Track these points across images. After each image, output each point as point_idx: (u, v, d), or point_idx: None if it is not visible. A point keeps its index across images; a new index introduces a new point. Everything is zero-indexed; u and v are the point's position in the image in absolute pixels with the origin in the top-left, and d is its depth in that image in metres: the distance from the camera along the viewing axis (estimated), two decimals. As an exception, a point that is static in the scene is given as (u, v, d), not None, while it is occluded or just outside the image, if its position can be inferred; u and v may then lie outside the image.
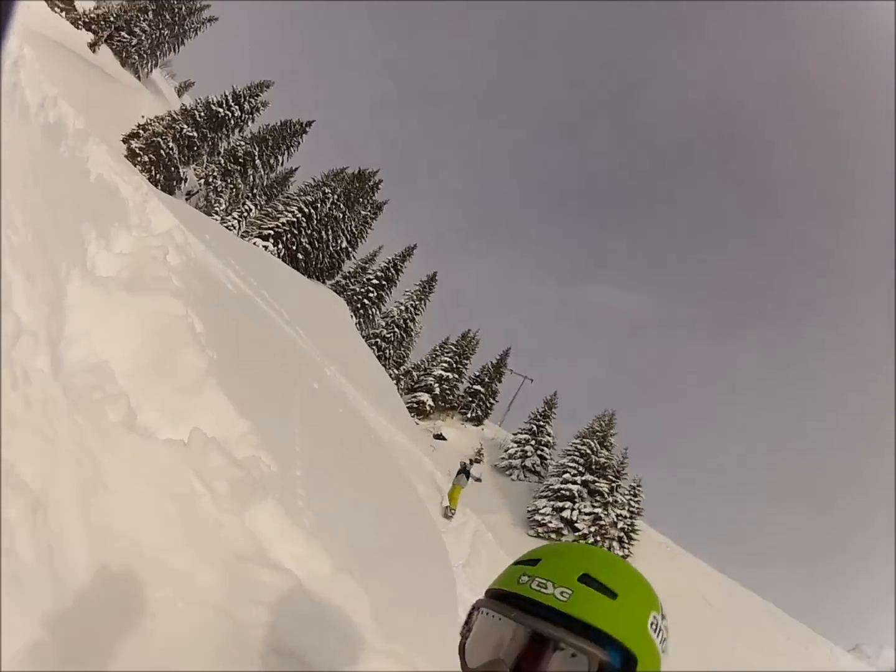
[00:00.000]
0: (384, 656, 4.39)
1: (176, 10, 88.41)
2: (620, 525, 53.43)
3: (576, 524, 53.61)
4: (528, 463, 65.85)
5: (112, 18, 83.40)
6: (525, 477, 65.05)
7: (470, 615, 1.76)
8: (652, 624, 1.63)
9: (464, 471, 29.16)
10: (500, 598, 1.71)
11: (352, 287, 78.34)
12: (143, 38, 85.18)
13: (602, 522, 53.06)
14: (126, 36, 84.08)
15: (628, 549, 52.50)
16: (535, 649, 1.57)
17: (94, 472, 4.51)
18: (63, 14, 79.67)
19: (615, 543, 52.12)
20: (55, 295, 6.25)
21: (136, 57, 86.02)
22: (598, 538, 51.91)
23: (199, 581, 4.28)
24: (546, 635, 1.56)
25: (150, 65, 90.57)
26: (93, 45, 76.49)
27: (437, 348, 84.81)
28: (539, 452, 66.74)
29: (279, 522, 5.12)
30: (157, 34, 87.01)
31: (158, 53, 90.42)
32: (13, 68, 7.26)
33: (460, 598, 11.93)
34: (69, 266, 6.93)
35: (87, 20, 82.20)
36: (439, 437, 67.19)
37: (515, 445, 67.74)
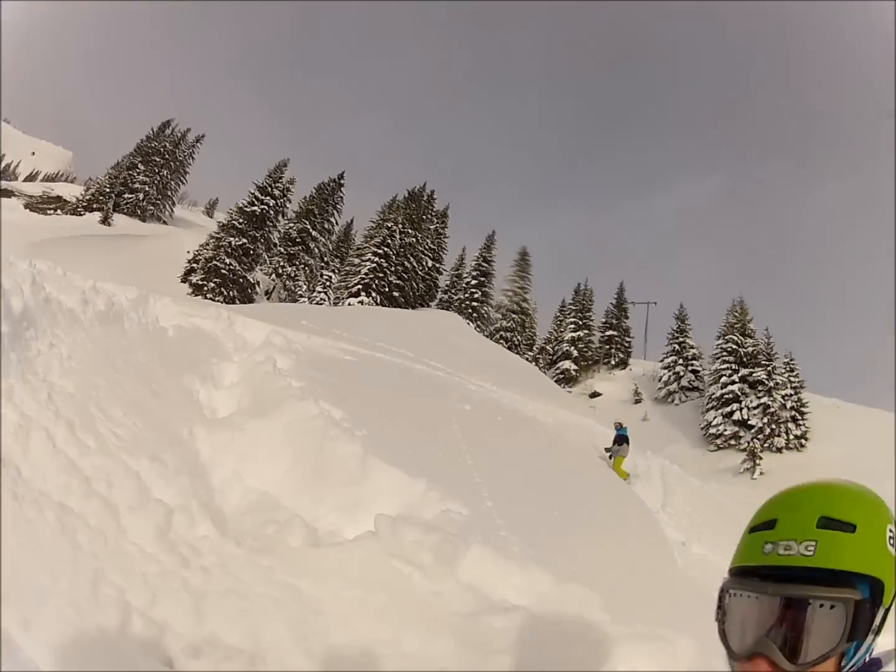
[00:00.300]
0: (628, 642, 4.31)
1: (162, 150, 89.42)
2: (789, 405, 52.57)
3: (748, 422, 52.85)
4: (684, 383, 65.14)
5: (108, 189, 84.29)
6: (686, 397, 64.30)
7: (720, 599, 1.70)
8: (891, 539, 1.57)
9: (620, 435, 24.25)
10: (749, 573, 1.67)
11: (456, 297, 78.07)
12: (146, 189, 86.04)
13: (771, 410, 52.21)
14: (130, 196, 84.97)
15: (803, 425, 51.69)
16: (792, 614, 1.54)
17: (298, 602, 4.58)
18: (57, 212, 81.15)
19: (790, 425, 51.32)
20: (188, 458, 6.45)
21: (151, 207, 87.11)
22: (773, 426, 51.09)
23: (433, 654, 4.28)
24: (798, 598, 1.54)
25: (168, 206, 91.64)
26: (104, 220, 77.50)
27: (559, 314, 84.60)
28: (690, 368, 66.03)
29: (490, 563, 5.05)
30: (158, 178, 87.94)
31: (169, 193, 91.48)
32: (34, 290, 7.42)
33: (670, 540, 11.87)
34: (189, 423, 7.16)
35: (84, 204, 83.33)
36: (594, 394, 66.92)
37: (666, 371, 66.84)
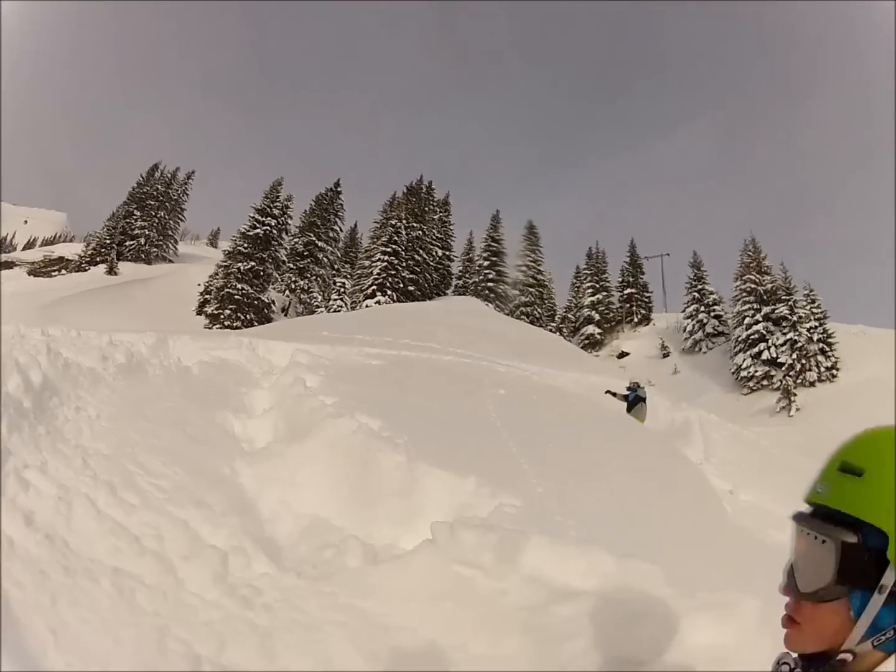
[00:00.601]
0: (694, 613, 4.24)
1: (155, 193, 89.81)
2: (816, 338, 52.63)
3: (778, 360, 53.00)
4: (708, 330, 65.60)
5: (108, 241, 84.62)
6: (713, 344, 64.68)
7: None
8: None
9: (635, 397, 22.08)
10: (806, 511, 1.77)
11: (471, 281, 78.96)
12: (146, 232, 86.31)
13: (799, 344, 52.20)
14: (131, 242, 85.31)
15: (832, 356, 51.72)
16: (800, 546, 1.69)
17: (365, 623, 4.56)
18: (62, 272, 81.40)
19: (819, 357, 51.41)
20: (234, 496, 6.42)
21: (155, 248, 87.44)
22: (803, 361, 51.07)
23: (504, 652, 4.27)
24: (803, 530, 1.68)
25: (171, 245, 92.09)
26: (110, 271, 77.83)
27: (575, 280, 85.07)
28: (713, 314, 66.24)
29: (550, 552, 4.94)
30: (157, 220, 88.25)
31: (170, 232, 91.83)
32: (52, 358, 7.43)
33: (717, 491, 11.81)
34: (229, 460, 7.14)
35: (88, 259, 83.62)
36: (622, 354, 67.30)
37: (689, 321, 67.18)
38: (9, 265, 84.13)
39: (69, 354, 8.21)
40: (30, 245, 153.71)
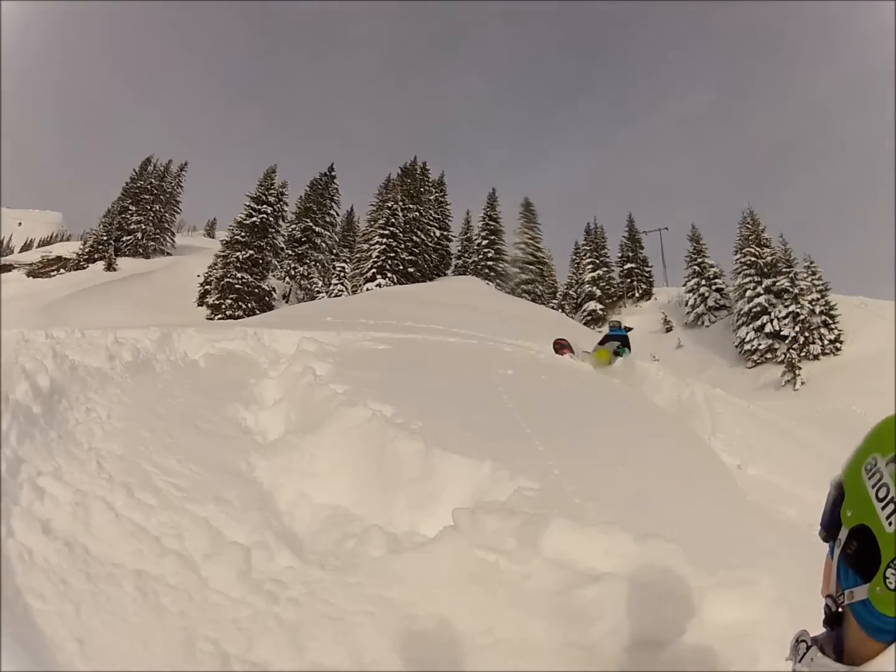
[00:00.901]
0: (714, 592, 4.21)
1: (149, 186, 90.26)
2: (818, 310, 52.68)
3: (781, 333, 53.01)
4: (710, 303, 65.82)
5: (105, 237, 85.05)
6: (715, 317, 64.81)
7: None
8: (867, 466, 1.52)
9: (612, 336, 21.77)
10: None
11: (471, 260, 79.07)
12: (143, 227, 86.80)
13: (801, 317, 52.25)
14: (128, 237, 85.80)
15: (835, 328, 51.87)
16: None
17: (392, 612, 4.56)
18: (60, 271, 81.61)
19: (822, 330, 51.54)
20: (253, 490, 6.40)
21: (152, 242, 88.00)
22: (806, 334, 51.19)
23: (529, 636, 4.27)
24: None
25: (168, 238, 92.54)
26: (108, 267, 78.38)
27: (574, 256, 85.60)
28: (714, 288, 66.36)
29: (571, 535, 4.88)
30: (152, 214, 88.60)
31: (166, 225, 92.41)
32: (58, 361, 7.41)
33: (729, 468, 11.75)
34: (244, 454, 7.13)
35: (86, 257, 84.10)
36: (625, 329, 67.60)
37: (690, 294, 67.28)
38: (7, 268, 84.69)
39: (75, 356, 8.18)
40: (27, 247, 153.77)
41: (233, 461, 6.92)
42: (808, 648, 1.62)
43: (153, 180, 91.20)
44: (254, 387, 9.77)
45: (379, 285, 64.69)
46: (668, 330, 65.40)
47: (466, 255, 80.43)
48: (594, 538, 4.84)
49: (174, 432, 7.16)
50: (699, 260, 68.84)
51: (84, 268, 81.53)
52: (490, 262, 77.24)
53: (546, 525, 4.91)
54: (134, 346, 9.52)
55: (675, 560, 4.52)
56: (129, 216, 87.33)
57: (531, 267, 79.80)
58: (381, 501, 6.36)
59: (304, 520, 6.21)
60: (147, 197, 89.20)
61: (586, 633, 4.17)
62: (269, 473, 6.80)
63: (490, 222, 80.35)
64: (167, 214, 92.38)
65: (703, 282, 66.65)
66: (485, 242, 79.20)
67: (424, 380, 11.27)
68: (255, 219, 68.11)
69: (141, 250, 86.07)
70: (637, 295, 78.15)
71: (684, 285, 69.64)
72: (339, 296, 62.49)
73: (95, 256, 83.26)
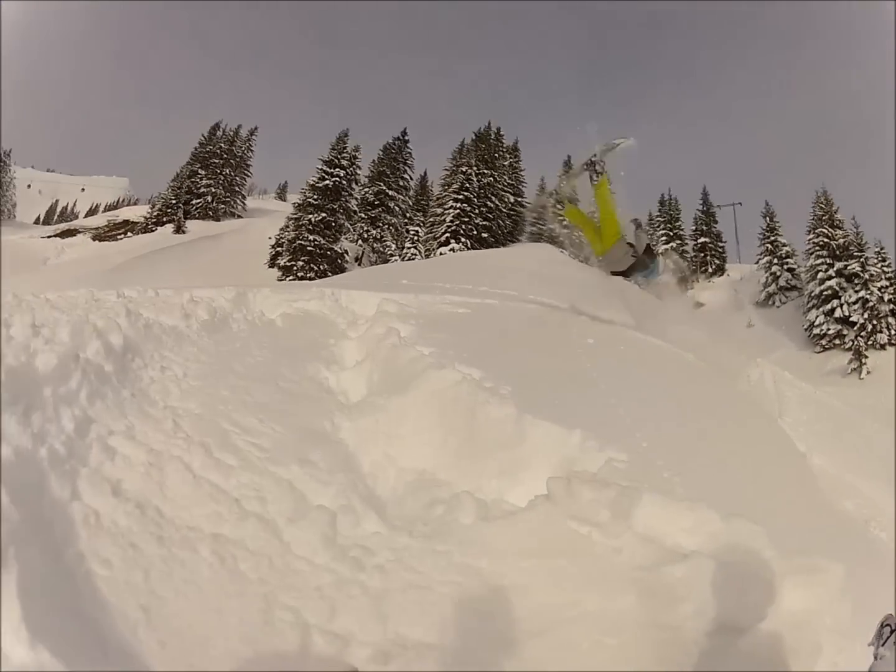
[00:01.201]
0: (791, 577, 4.00)
1: (218, 151, 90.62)
2: (887, 297, 51.89)
3: (850, 319, 52.13)
4: (781, 283, 64.21)
5: (174, 200, 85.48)
6: (786, 298, 63.46)
7: None
8: None
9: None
10: None
11: (546, 227, 74.03)
12: (213, 190, 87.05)
13: (870, 304, 51.47)
14: (198, 200, 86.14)
15: (904, 317, 51.17)
16: None
17: (479, 582, 4.45)
18: (128, 234, 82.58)
19: (891, 319, 50.69)
20: (338, 452, 6.22)
21: (222, 205, 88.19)
22: (874, 322, 50.44)
23: (616, 610, 4.11)
24: None
25: (239, 201, 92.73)
26: (178, 230, 78.69)
27: (648, 227, 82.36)
28: (786, 267, 65.25)
29: (661, 510, 4.69)
30: (222, 178, 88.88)
31: (237, 189, 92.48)
32: (132, 319, 7.34)
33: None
34: (329, 414, 6.95)
35: (154, 220, 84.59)
36: (697, 305, 66.64)
37: (763, 272, 66.06)
38: (72, 232, 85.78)
39: (150, 314, 8.13)
40: (92, 211, 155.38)
41: (316, 422, 6.72)
42: (891, 633, 1.68)
43: (222, 145, 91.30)
44: (333, 347, 9.59)
45: (452, 250, 64.29)
46: (740, 308, 64.66)
47: (541, 223, 78.33)
48: (682, 514, 4.67)
49: (254, 391, 7.05)
50: (772, 238, 67.32)
51: (152, 230, 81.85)
52: (565, 230, 76.27)
53: (639, 498, 4.72)
54: (210, 304, 9.50)
55: (758, 542, 4.36)
56: (198, 180, 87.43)
57: None
58: (469, 467, 6.12)
59: (388, 483, 6.00)
60: (216, 161, 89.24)
61: (672, 612, 4.04)
62: (353, 435, 6.58)
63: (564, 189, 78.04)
64: (237, 178, 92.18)
65: (776, 260, 65.44)
66: (560, 208, 77.16)
67: (507, 345, 11.11)
68: (327, 182, 67.23)
69: (211, 213, 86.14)
70: (710, 270, 76.00)
71: (756, 262, 68.12)
72: (413, 259, 62.25)
73: (164, 220, 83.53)
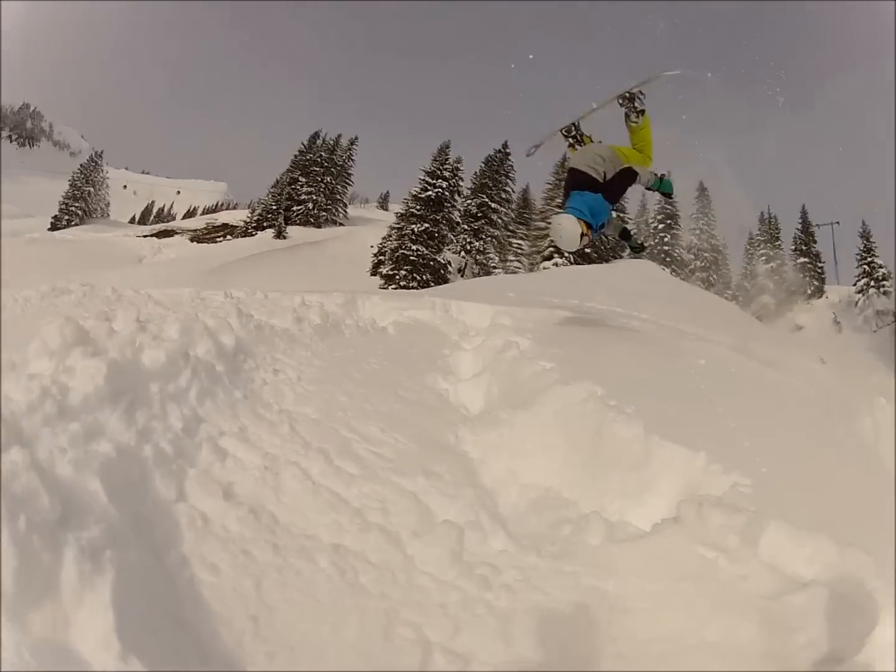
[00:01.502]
0: (888, 608, 3.85)
1: (318, 159, 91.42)
2: None
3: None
4: (879, 307, 63.74)
5: (274, 206, 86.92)
6: (883, 322, 62.75)
7: None
8: None
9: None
10: None
11: (648, 244, 76.38)
12: (314, 197, 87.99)
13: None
14: (299, 207, 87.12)
15: None
16: None
17: (605, 605, 4.21)
18: (227, 238, 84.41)
19: None
20: (464, 466, 6.06)
21: (324, 213, 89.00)
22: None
23: (738, 639, 3.83)
24: None
25: (340, 209, 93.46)
26: (279, 234, 79.96)
27: (748, 246, 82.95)
28: (882, 290, 64.52)
29: (785, 537, 4.46)
30: (323, 185, 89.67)
31: (338, 196, 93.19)
32: (243, 320, 7.34)
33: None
34: (452, 426, 6.79)
35: (254, 224, 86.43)
36: (797, 328, 65.81)
37: (860, 295, 65.39)
38: (169, 233, 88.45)
39: (260, 316, 8.18)
40: (190, 214, 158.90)
41: (440, 433, 6.58)
42: None
43: (323, 153, 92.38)
44: (448, 358, 9.49)
45: (556, 264, 63.03)
46: (839, 332, 63.79)
47: (643, 239, 77.92)
48: (803, 543, 4.45)
49: (373, 399, 6.94)
50: (868, 259, 67.03)
51: (252, 235, 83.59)
52: (666, 248, 75.79)
53: (766, 525, 4.52)
54: (322, 309, 9.51)
55: (867, 572, 4.13)
56: (299, 187, 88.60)
57: (706, 254, 77.93)
58: (593, 486, 5.93)
59: (510, 500, 5.78)
60: (317, 169, 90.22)
61: (787, 643, 3.76)
62: (477, 448, 6.41)
63: (666, 205, 77.85)
64: (339, 186, 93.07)
65: (872, 283, 65.00)
66: (661, 226, 77.95)
67: (621, 362, 10.79)
68: (429, 193, 67.91)
69: (312, 220, 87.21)
70: (809, 292, 74.89)
71: (854, 285, 67.45)
72: (516, 272, 62.60)
73: (264, 224, 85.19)
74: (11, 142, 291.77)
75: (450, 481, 5.52)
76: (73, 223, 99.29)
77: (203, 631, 3.47)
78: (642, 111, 12.18)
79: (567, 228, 10.33)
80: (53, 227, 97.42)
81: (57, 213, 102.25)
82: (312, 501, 4.78)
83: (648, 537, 4.80)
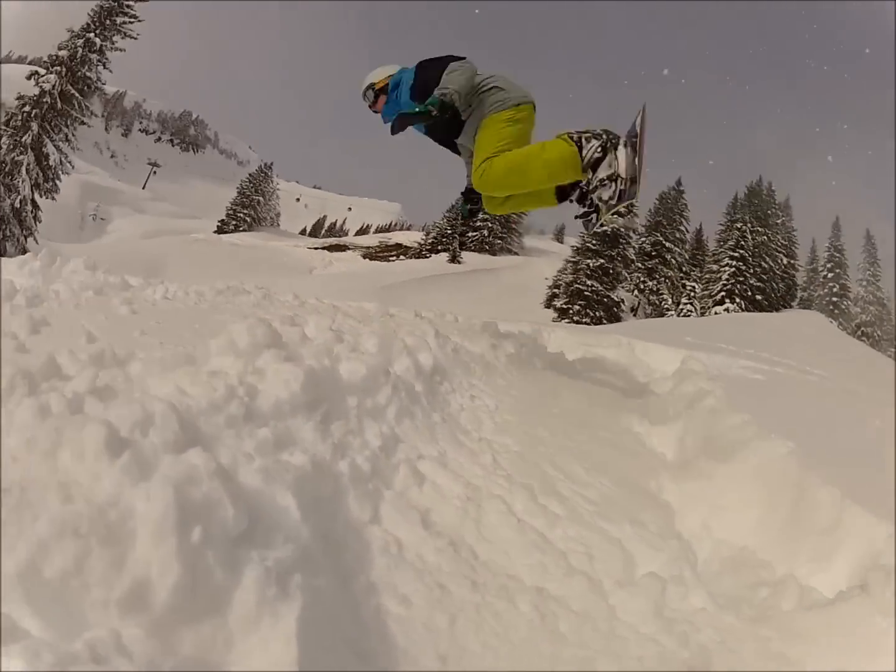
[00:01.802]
0: None
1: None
2: None
3: None
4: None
5: (449, 231, 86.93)
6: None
7: None
8: None
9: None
10: None
11: (816, 294, 75.73)
12: (489, 224, 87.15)
13: None
14: (474, 233, 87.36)
15: None
16: None
17: (788, 669, 4.03)
18: (400, 258, 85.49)
19: None
20: (667, 516, 5.68)
21: (499, 241, 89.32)
22: None
23: None
24: None
25: (516, 238, 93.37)
26: (453, 259, 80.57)
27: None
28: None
29: None
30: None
31: (513, 225, 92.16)
32: (440, 341, 7.28)
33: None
34: (654, 473, 6.35)
35: (428, 247, 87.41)
36: None
37: None
38: (341, 247, 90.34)
39: (455, 339, 8.10)
40: (363, 231, 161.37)
41: (642, 479, 6.27)
42: None
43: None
44: (638, 400, 9.09)
45: (727, 310, 62.49)
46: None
47: (812, 288, 76.51)
48: None
49: (574, 436, 6.73)
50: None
51: (426, 257, 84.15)
52: (835, 299, 73.47)
53: None
54: (517, 338, 9.48)
55: None
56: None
57: (871, 307, 73.83)
58: (787, 548, 5.69)
59: (702, 555, 5.66)
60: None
61: None
62: (677, 498, 6.03)
63: (835, 253, 76.28)
64: (514, 215, 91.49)
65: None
66: (830, 275, 75.30)
67: (807, 417, 10.55)
68: (605, 228, 65.14)
69: (487, 247, 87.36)
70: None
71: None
72: (689, 315, 61.56)
73: (438, 248, 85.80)
74: (174, 146, 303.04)
75: (654, 531, 5.28)
76: (240, 228, 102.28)
77: (385, 665, 3.32)
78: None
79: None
80: (220, 231, 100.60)
81: (224, 217, 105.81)
82: (517, 539, 4.65)
83: (837, 604, 4.62)
